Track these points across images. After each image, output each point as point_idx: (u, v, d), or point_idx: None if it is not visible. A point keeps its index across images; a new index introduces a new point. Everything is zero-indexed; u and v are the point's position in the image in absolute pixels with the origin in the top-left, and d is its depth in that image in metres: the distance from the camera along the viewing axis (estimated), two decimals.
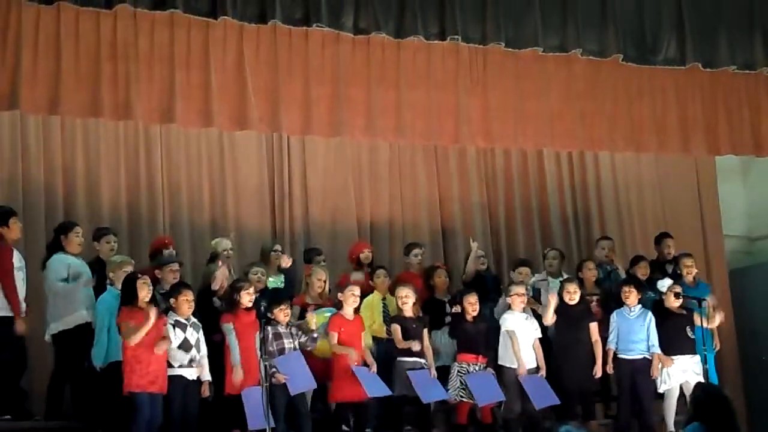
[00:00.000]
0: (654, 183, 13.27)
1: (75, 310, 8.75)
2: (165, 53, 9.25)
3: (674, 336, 10.05)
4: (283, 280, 9.98)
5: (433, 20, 10.08)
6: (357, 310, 9.46)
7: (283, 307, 9.00)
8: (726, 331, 12.28)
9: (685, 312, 10.17)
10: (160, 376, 8.29)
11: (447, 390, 9.48)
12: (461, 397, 9.50)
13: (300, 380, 8.82)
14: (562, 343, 9.94)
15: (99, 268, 9.02)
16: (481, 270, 10.79)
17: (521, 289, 10.00)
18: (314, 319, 9.14)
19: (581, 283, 10.32)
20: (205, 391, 8.62)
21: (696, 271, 10.90)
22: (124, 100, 9.04)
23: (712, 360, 10.58)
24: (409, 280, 10.15)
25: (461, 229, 12.22)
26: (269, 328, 8.84)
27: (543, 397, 9.60)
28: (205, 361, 8.64)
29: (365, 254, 10.53)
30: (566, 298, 10.00)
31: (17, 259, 8.76)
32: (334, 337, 9.19)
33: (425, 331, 9.63)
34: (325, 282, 9.82)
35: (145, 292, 8.31)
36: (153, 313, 8.22)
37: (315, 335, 9.05)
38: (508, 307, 9.93)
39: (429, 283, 10.39)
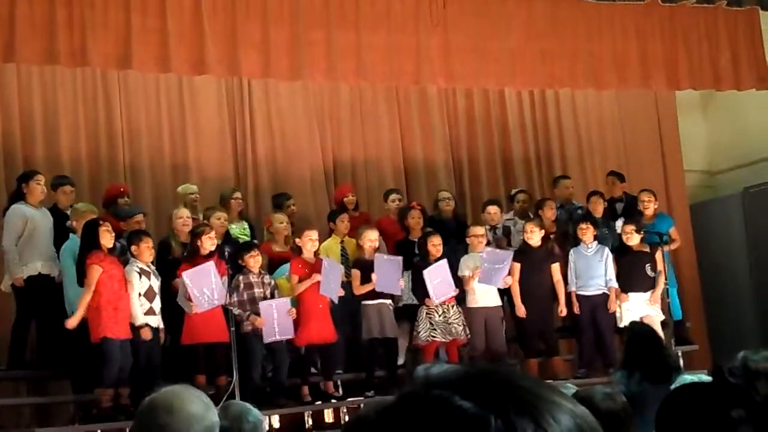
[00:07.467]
0: (615, 120, 13.30)
1: (29, 261, 8.72)
2: None
3: (633, 273, 10.13)
4: (246, 227, 9.96)
5: None
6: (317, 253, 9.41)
7: (253, 253, 8.96)
8: (688, 265, 12.47)
9: (647, 249, 10.27)
10: (128, 322, 8.27)
11: (418, 333, 9.49)
12: (433, 336, 9.51)
13: (281, 328, 8.77)
14: (523, 286, 9.95)
15: (56, 216, 8.96)
16: (446, 212, 10.79)
17: (480, 230, 9.97)
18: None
19: (541, 222, 10.36)
20: (161, 338, 8.59)
21: (655, 206, 10.96)
22: (80, 46, 8.90)
23: (675, 293, 10.72)
24: (387, 225, 10.23)
25: (423, 170, 12.25)
26: (240, 276, 8.81)
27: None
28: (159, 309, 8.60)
29: (349, 198, 10.62)
30: (525, 238, 10.03)
31: None
32: (295, 279, 9.11)
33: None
34: (288, 224, 9.81)
35: (107, 239, 8.25)
36: None
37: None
38: (467, 248, 9.90)
39: (403, 224, 10.40)
